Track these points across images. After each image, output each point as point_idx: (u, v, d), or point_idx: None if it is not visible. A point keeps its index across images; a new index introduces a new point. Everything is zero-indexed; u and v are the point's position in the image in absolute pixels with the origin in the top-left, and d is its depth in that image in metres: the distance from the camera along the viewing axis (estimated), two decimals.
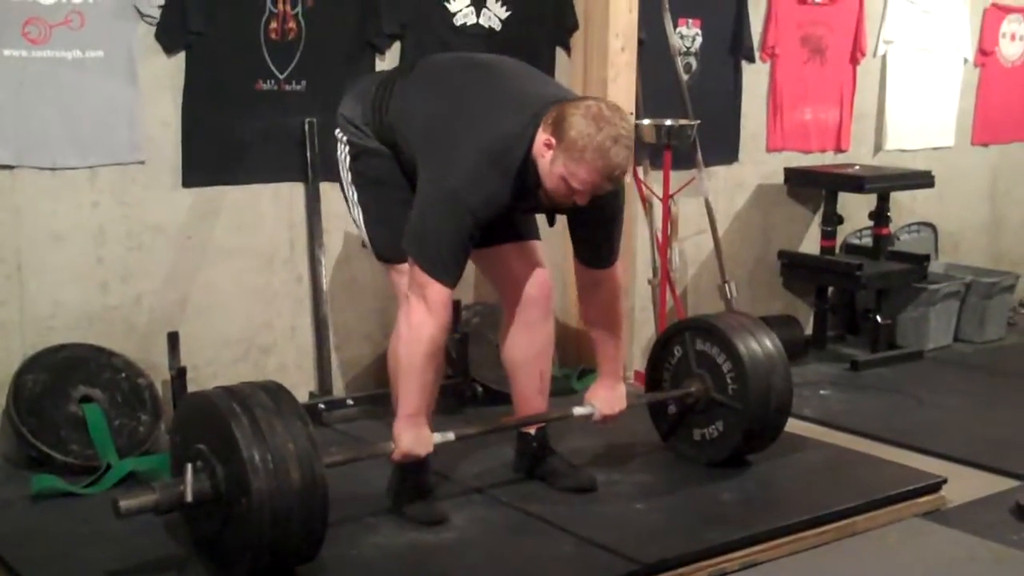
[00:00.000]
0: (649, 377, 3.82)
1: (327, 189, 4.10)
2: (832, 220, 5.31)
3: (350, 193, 3.26)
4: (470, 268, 3.34)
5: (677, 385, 3.70)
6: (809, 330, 5.48)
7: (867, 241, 5.54)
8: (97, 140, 3.72)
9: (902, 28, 5.73)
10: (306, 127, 4.08)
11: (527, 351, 3.38)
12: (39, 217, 3.67)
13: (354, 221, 3.30)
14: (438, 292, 2.96)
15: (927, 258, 5.41)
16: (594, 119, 2.87)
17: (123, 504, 2.69)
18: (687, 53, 4.96)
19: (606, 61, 4.47)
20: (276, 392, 2.85)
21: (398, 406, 3.10)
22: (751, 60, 5.21)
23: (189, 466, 2.75)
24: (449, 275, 2.97)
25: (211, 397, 2.83)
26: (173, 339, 3.73)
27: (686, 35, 4.96)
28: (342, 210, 3.69)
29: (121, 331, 3.83)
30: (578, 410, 3.42)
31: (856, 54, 5.54)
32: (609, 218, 3.21)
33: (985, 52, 6.14)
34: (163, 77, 3.83)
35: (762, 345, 3.60)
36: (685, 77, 4.82)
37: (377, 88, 3.20)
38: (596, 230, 3.22)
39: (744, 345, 3.56)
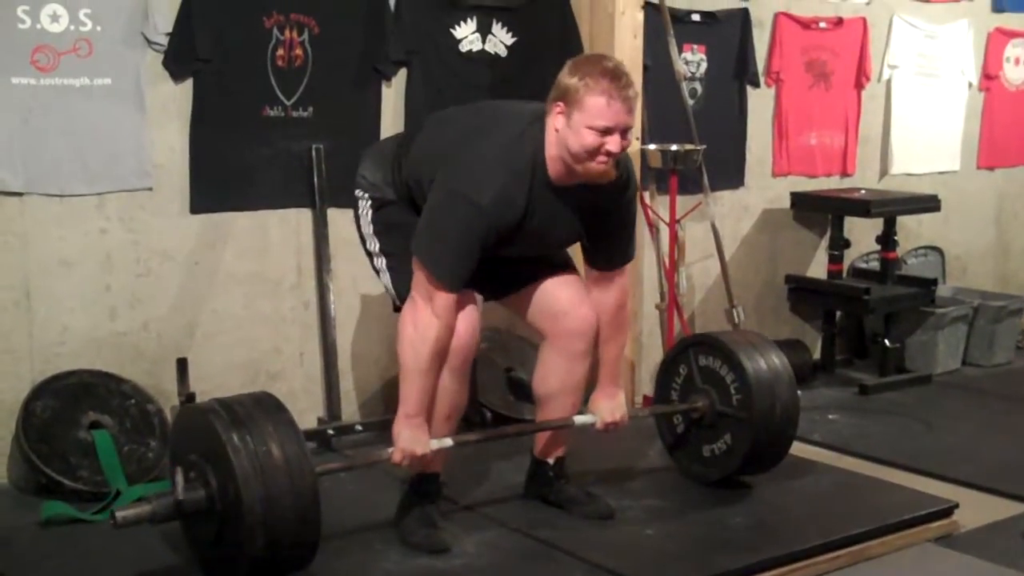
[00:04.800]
0: (657, 396, 3.82)
1: (334, 215, 4.11)
2: (839, 244, 5.31)
3: (372, 245, 3.27)
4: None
5: (684, 403, 3.69)
6: (817, 354, 5.46)
7: (874, 265, 5.54)
8: (105, 167, 3.74)
9: (906, 53, 5.74)
10: (313, 153, 4.09)
11: (564, 383, 3.37)
12: (47, 244, 3.67)
13: (377, 273, 3.29)
14: (445, 296, 2.99)
15: (935, 282, 5.40)
16: (580, 61, 3.07)
17: (119, 514, 2.72)
18: (692, 78, 4.98)
19: None
20: (265, 400, 2.88)
21: (399, 406, 3.09)
22: (756, 85, 5.22)
23: (179, 468, 2.79)
24: (455, 279, 2.98)
25: (201, 407, 2.88)
26: (182, 365, 3.73)
27: (691, 61, 4.98)
28: (349, 236, 3.68)
29: (130, 357, 3.83)
30: (579, 419, 3.40)
31: (861, 79, 5.56)
32: (623, 215, 3.24)
33: (989, 76, 6.15)
34: (171, 104, 3.84)
35: (765, 356, 3.59)
36: (690, 102, 4.83)
37: (396, 148, 3.28)
38: (611, 229, 3.23)
39: (747, 357, 3.56)
